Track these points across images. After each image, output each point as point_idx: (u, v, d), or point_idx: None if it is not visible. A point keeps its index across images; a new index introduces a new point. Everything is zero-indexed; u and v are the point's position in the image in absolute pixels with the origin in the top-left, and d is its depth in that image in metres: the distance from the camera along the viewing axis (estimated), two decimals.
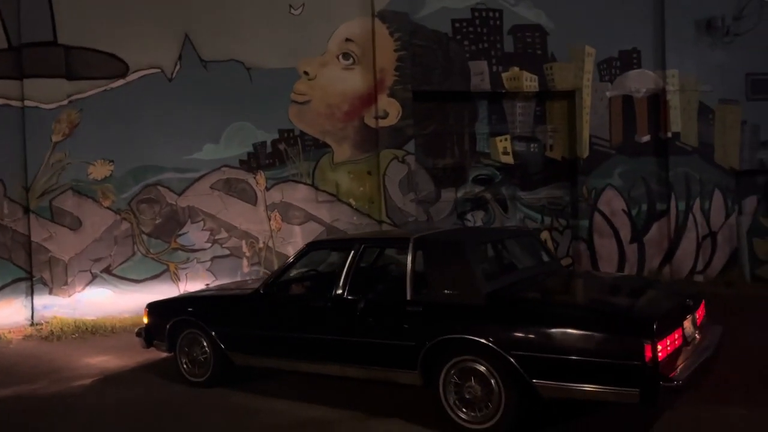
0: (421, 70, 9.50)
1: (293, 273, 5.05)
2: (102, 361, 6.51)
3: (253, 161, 9.16)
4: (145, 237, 8.92)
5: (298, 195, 9.27)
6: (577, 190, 10.09)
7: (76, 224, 8.71)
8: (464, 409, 3.97)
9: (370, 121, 9.37)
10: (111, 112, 8.76)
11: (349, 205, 9.37)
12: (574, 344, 3.58)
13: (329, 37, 9.30)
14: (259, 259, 9.19)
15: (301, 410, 4.67)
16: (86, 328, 7.97)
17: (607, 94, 10.12)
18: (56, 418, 4.82)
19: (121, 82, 8.83)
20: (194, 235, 9.05)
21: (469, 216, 9.99)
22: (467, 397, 3.93)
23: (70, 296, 8.65)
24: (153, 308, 5.79)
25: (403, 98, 9.38)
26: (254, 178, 9.17)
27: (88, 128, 8.71)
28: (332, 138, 9.33)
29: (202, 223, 9.06)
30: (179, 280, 8.99)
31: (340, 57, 9.34)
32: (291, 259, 5.10)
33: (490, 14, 9.76)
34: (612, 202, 10.17)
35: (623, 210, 10.19)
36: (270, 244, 9.21)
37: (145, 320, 5.78)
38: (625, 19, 10.08)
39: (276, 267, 9.06)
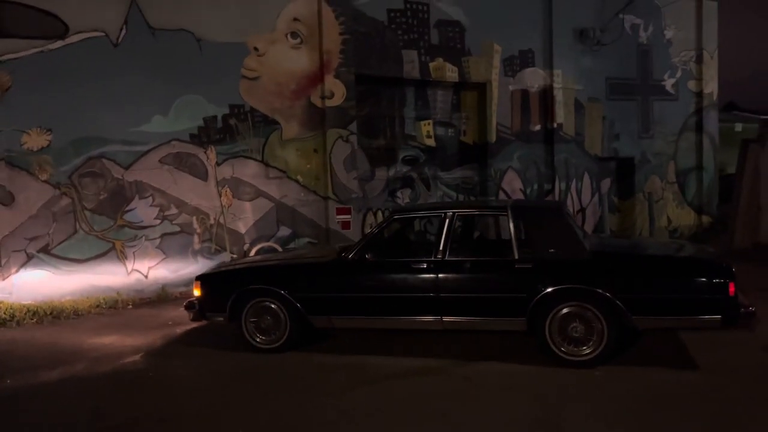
0: (362, 55, 10.01)
1: (375, 241, 5.46)
2: (116, 339, 6.19)
3: (203, 136, 8.94)
4: (88, 213, 8.28)
5: (249, 171, 9.27)
6: (486, 171, 11.45)
7: (8, 199, 7.83)
8: (568, 346, 4.86)
9: (316, 101, 9.67)
10: (48, 75, 7.98)
11: (297, 181, 9.61)
12: (670, 285, 4.68)
13: (278, 15, 9.39)
14: (211, 236, 9.04)
15: (400, 362, 5.17)
16: (44, 313, 7.29)
17: (510, 87, 11.59)
18: (165, 392, 4.70)
19: (59, 43, 8.06)
20: (142, 211, 8.61)
21: (398, 193, 10.79)
22: (575, 335, 4.82)
23: (4, 279, 7.79)
24: (208, 280, 5.75)
25: (347, 80, 9.83)
26: (205, 152, 8.96)
27: (22, 93, 7.85)
28: (281, 115, 9.46)
29: (150, 198, 8.65)
30: (126, 258, 8.51)
31: (289, 36, 9.48)
32: (377, 228, 5.51)
33: (419, 7, 10.58)
34: (512, 182, 11.71)
35: (520, 189, 11.80)
36: (221, 221, 9.10)
37: (197, 293, 5.70)
38: (524, 22, 11.62)
39: (227, 243, 9.08)
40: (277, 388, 4.68)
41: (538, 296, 4.83)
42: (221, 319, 5.63)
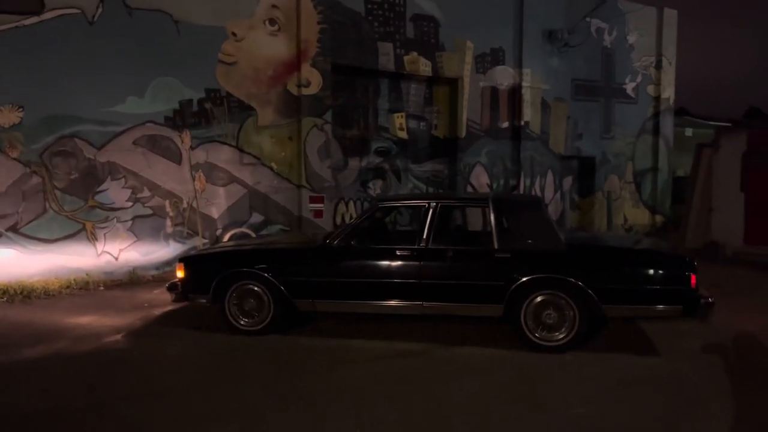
0: (338, 45, 10.11)
1: (360, 228, 5.60)
2: (93, 320, 6.17)
3: (178, 119, 8.91)
4: (58, 193, 8.17)
5: (223, 156, 9.28)
6: (456, 166, 11.71)
7: None
8: (542, 332, 5.12)
9: (292, 88, 9.73)
10: (22, 51, 7.84)
11: (271, 168, 9.66)
12: (639, 277, 4.98)
13: (257, 1, 9.41)
14: (183, 220, 9.02)
15: (382, 345, 5.34)
16: (14, 292, 7.19)
17: (481, 84, 11.86)
18: (153, 369, 4.74)
19: (34, 19, 7.91)
20: (114, 192, 8.54)
21: (370, 184, 10.94)
22: (548, 322, 5.09)
23: None
24: (192, 262, 5.79)
25: (323, 69, 9.93)
26: (179, 136, 8.93)
27: None
28: (257, 101, 9.49)
29: (123, 180, 8.58)
30: (96, 240, 8.43)
31: (267, 22, 9.51)
32: (362, 215, 5.65)
33: (396, 0, 10.73)
34: (480, 177, 12.01)
35: (487, 184, 12.11)
36: (194, 205, 9.09)
37: (180, 274, 5.74)
38: (496, 21, 11.90)
39: (200, 228, 9.09)
40: (263, 367, 4.79)
41: (515, 284, 5.07)
42: (204, 300, 5.69)
